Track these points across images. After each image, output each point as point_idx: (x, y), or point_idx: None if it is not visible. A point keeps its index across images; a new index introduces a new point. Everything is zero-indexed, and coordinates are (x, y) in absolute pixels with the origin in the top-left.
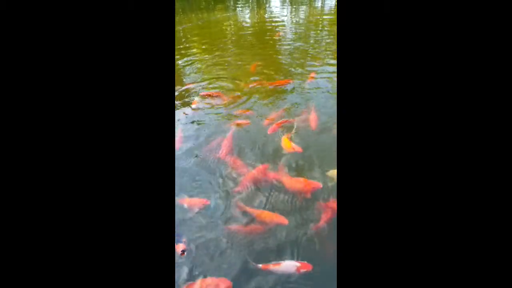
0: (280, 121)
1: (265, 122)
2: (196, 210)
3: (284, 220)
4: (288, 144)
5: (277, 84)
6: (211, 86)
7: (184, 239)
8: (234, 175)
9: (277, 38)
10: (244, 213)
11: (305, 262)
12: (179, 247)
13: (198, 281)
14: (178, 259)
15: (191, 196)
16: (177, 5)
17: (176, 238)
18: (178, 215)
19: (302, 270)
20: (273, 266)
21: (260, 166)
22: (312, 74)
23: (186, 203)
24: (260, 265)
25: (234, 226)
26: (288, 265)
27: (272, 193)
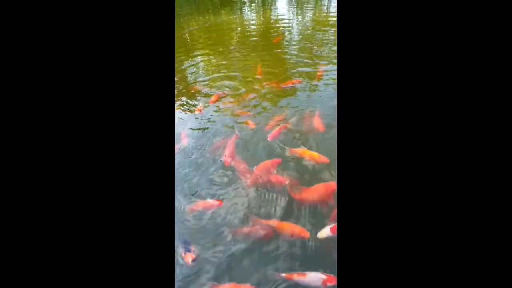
0: (279, 127)
1: (267, 126)
2: (210, 212)
3: (306, 234)
4: (315, 155)
5: (287, 84)
6: (217, 86)
7: (193, 248)
8: (241, 177)
9: (277, 41)
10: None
11: (333, 275)
12: (188, 257)
13: (225, 285)
14: (186, 266)
15: (200, 199)
16: (184, 7)
17: (185, 246)
18: (189, 220)
19: (328, 284)
20: (297, 277)
21: (271, 161)
22: (320, 71)
23: (200, 205)
24: (283, 274)
25: (247, 229)
26: (314, 277)
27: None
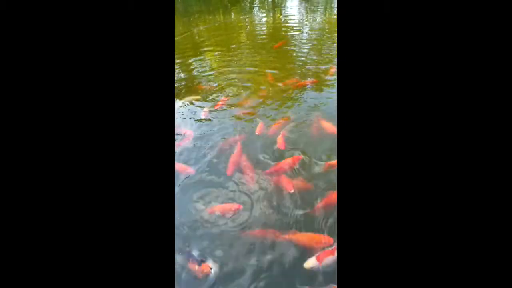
0: (281, 133)
1: (270, 130)
2: (229, 216)
3: (330, 240)
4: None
5: (301, 85)
6: (223, 83)
7: (203, 259)
8: (247, 182)
9: (279, 46)
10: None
11: None
12: (205, 267)
13: None
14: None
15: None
16: (195, 6)
17: (197, 258)
18: (204, 227)
19: None
20: None
21: (292, 158)
22: (333, 69)
23: (218, 209)
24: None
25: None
26: None
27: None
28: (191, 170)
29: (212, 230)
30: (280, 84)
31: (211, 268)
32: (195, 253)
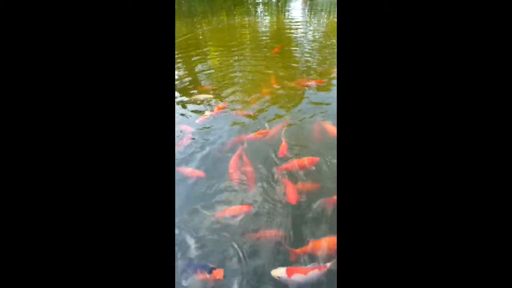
0: (284, 142)
1: (269, 135)
2: (240, 218)
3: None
4: None
5: (317, 83)
6: (226, 85)
7: (213, 266)
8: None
9: (277, 51)
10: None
11: None
12: (217, 273)
13: None
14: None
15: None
16: (198, 7)
17: (205, 266)
18: (215, 230)
19: None
20: None
21: (308, 158)
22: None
23: (228, 212)
24: None
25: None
26: None
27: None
28: (200, 173)
29: (219, 234)
30: (286, 82)
31: (223, 274)
32: (199, 262)
